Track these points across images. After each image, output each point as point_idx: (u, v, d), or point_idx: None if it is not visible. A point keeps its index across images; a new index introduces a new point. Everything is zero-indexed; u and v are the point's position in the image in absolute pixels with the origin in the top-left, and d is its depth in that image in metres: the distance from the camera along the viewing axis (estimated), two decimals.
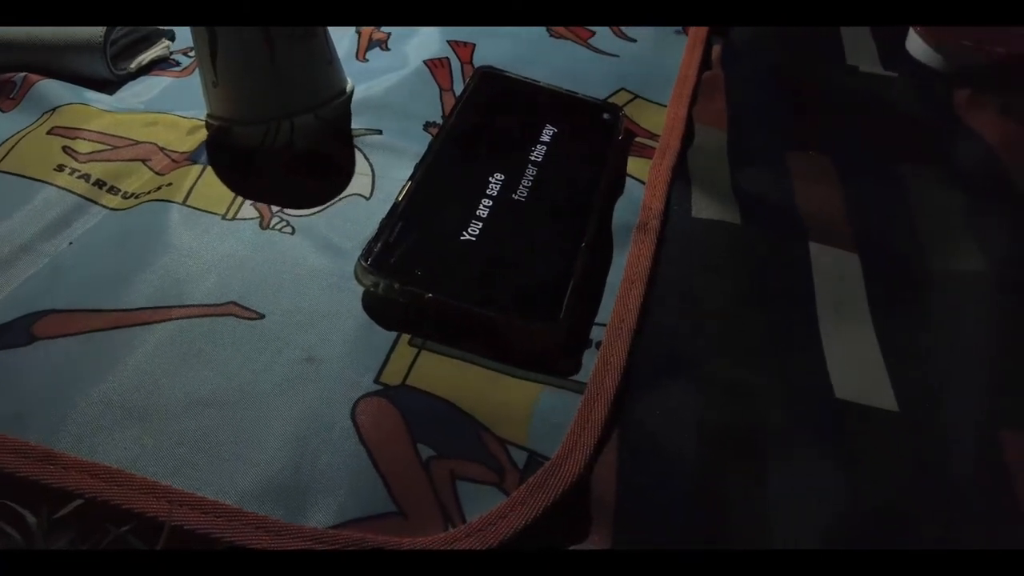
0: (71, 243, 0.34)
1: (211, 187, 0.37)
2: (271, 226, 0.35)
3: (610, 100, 0.45)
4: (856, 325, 0.34)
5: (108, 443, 0.27)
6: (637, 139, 0.43)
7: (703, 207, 0.39)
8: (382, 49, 0.48)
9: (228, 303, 0.32)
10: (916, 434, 0.30)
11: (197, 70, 0.39)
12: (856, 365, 0.32)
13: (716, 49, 0.50)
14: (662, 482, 0.28)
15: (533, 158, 0.38)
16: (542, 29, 0.50)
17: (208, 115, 0.39)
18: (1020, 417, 0.30)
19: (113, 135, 0.39)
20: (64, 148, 0.38)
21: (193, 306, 0.32)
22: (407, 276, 0.32)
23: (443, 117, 0.42)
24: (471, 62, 0.47)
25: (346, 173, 0.38)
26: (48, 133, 0.39)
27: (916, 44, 0.51)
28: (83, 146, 0.38)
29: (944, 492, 0.29)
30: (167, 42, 0.48)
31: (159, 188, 0.36)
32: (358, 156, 0.39)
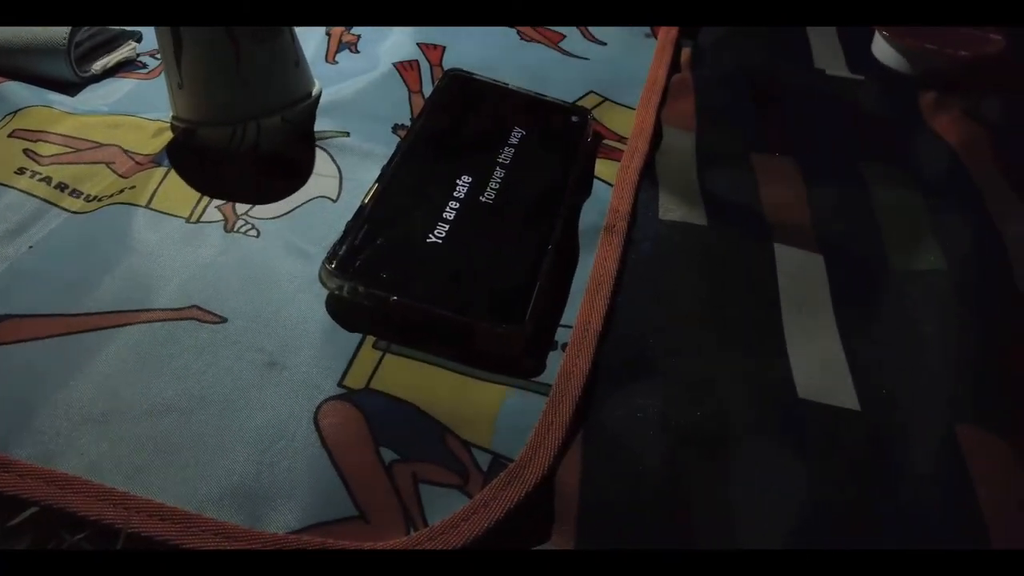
0: (31, 247, 0.33)
1: (175, 190, 0.36)
2: (236, 229, 0.35)
3: (579, 103, 0.45)
4: (820, 325, 0.34)
5: (66, 449, 0.27)
6: (605, 141, 0.43)
7: (670, 209, 0.39)
8: (352, 51, 0.48)
9: (190, 307, 0.32)
10: (877, 432, 0.30)
11: (163, 75, 0.38)
12: (819, 365, 0.33)
13: (685, 52, 0.51)
14: (626, 483, 0.29)
15: (501, 160, 0.39)
16: (512, 31, 0.51)
17: (173, 117, 0.39)
18: (975, 412, 0.31)
19: (76, 137, 0.39)
20: (25, 151, 0.38)
21: (155, 310, 0.31)
22: (372, 279, 0.32)
23: (412, 119, 0.42)
24: (441, 64, 0.47)
25: (313, 175, 0.38)
26: (9, 136, 0.38)
27: (882, 48, 0.51)
28: (45, 149, 0.38)
29: (905, 488, 0.29)
30: (133, 43, 0.48)
31: (122, 191, 0.36)
32: (325, 158, 0.39)
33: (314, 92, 0.41)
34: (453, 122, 0.41)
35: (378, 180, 0.36)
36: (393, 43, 0.48)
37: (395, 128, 0.42)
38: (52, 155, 0.38)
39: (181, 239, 0.34)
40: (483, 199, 0.36)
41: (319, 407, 0.29)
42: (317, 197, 0.37)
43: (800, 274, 0.36)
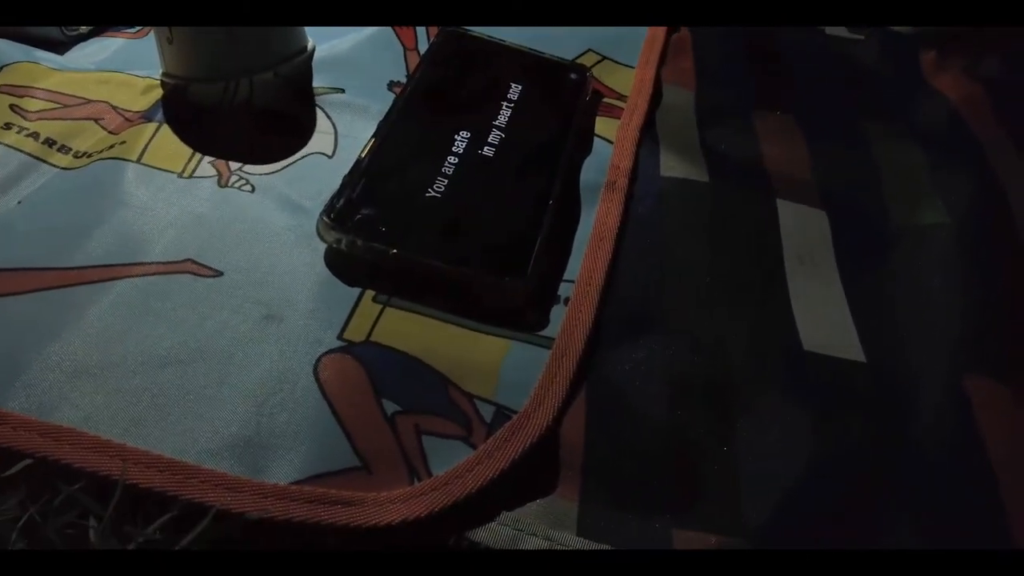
0: (20, 202, 0.32)
1: (167, 145, 0.36)
2: (230, 184, 0.34)
3: (578, 61, 0.44)
4: (823, 279, 0.34)
5: (60, 402, 0.26)
6: (605, 99, 0.42)
7: (671, 166, 0.38)
8: None
9: (185, 260, 0.31)
10: (883, 383, 0.30)
11: (152, 31, 0.37)
12: (823, 318, 0.32)
13: None
14: (631, 434, 0.28)
15: (500, 116, 0.38)
16: None
17: (164, 73, 0.38)
18: (982, 362, 0.31)
19: (64, 93, 0.38)
20: (12, 106, 0.37)
21: (148, 264, 0.31)
22: (371, 232, 0.31)
23: (407, 76, 0.42)
24: None
25: (307, 131, 0.37)
26: None
27: None
28: (32, 104, 0.37)
29: (912, 439, 0.29)
30: None
31: (112, 147, 0.35)
32: (320, 115, 0.38)
33: (308, 48, 0.40)
34: (450, 78, 0.40)
35: (375, 135, 0.35)
36: None
37: (391, 85, 0.41)
38: (39, 110, 0.37)
39: (174, 194, 0.33)
40: (482, 154, 0.36)
41: (319, 359, 0.28)
42: (312, 153, 0.37)
43: (803, 230, 0.36)
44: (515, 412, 0.28)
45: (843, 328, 0.32)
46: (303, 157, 0.36)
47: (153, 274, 0.30)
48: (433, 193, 0.33)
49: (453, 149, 0.35)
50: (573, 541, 0.25)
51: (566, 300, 0.32)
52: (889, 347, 0.31)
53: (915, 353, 0.31)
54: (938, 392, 0.30)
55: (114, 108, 0.37)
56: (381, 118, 0.36)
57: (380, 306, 0.30)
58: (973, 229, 0.36)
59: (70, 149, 0.35)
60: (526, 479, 0.26)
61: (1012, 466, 0.28)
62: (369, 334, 0.29)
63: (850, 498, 0.27)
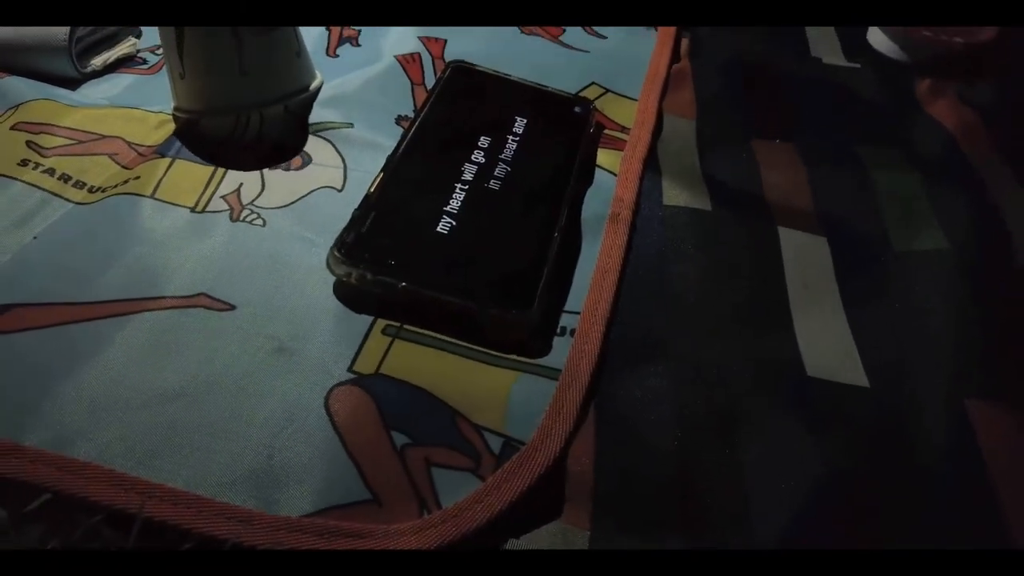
0: (35, 237, 0.33)
1: (180, 180, 0.36)
2: (241, 218, 0.35)
3: (581, 94, 0.45)
4: (825, 305, 0.35)
5: (76, 436, 0.27)
6: (607, 131, 0.43)
7: (674, 195, 0.39)
8: (353, 45, 0.48)
9: (198, 295, 0.31)
10: (887, 409, 0.31)
11: (164, 66, 0.38)
12: (827, 344, 0.33)
13: (685, 42, 0.51)
14: (639, 463, 0.29)
15: (505, 149, 0.39)
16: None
17: (176, 108, 0.39)
18: (983, 386, 0.31)
19: (78, 130, 0.39)
20: (28, 143, 0.37)
21: (162, 298, 0.31)
22: (380, 266, 0.32)
23: (415, 110, 0.42)
24: (442, 57, 0.47)
25: (317, 166, 0.38)
26: (11, 128, 0.38)
27: (877, 36, 0.52)
28: (48, 141, 0.38)
29: (916, 462, 0.29)
30: (134, 40, 0.47)
31: (126, 182, 0.36)
32: (329, 149, 0.39)
33: (316, 83, 0.41)
34: (457, 112, 0.41)
35: (383, 169, 0.36)
36: (395, 37, 0.48)
37: (398, 119, 0.42)
38: (55, 147, 0.37)
39: (187, 228, 0.34)
40: (488, 187, 0.36)
41: (329, 392, 0.29)
42: (322, 187, 0.37)
43: (804, 256, 0.37)
44: (523, 443, 0.28)
45: (846, 354, 0.33)
46: (313, 191, 0.37)
47: (167, 308, 0.31)
48: (441, 227, 0.34)
49: (460, 183, 0.36)
50: None
51: (572, 331, 0.32)
52: (891, 372, 0.32)
53: (917, 377, 0.32)
54: (940, 416, 0.30)
55: (128, 143, 0.38)
56: (389, 152, 0.37)
57: (389, 339, 0.31)
58: (972, 255, 0.37)
59: (85, 184, 0.36)
60: (536, 509, 0.27)
61: (1015, 489, 0.29)
62: (379, 367, 0.30)
63: (855, 521, 0.28)
